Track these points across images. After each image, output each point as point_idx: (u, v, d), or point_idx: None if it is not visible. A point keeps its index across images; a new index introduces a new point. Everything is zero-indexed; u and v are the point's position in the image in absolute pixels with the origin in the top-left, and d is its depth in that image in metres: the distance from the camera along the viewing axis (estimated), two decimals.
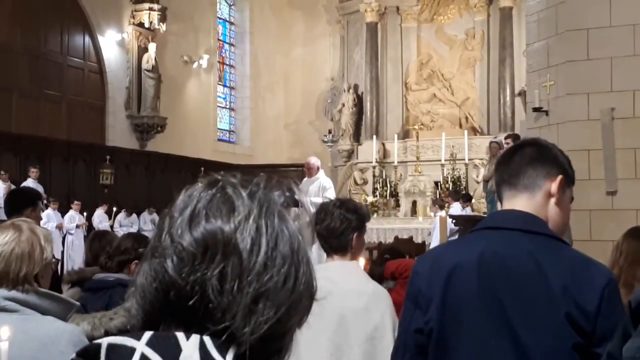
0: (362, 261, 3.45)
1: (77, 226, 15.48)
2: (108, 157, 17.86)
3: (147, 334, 0.93)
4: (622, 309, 1.89)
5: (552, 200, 2.07)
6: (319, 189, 9.99)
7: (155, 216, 17.11)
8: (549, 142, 2.19)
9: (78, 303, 2.60)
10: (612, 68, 8.35)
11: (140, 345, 0.92)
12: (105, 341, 0.93)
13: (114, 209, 16.75)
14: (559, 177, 2.08)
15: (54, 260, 2.83)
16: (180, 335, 0.92)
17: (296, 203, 1.04)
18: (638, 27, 8.24)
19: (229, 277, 0.93)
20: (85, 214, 15.78)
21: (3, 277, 2.37)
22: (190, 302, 0.93)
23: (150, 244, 0.99)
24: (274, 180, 1.03)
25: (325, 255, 3.25)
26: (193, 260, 0.93)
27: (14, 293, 2.36)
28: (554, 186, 2.06)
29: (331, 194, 9.84)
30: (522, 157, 2.09)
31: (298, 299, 0.97)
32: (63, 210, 15.40)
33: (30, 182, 13.76)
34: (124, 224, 16.73)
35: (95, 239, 4.42)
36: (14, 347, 2.24)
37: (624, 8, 8.29)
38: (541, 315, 1.89)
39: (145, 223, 17.29)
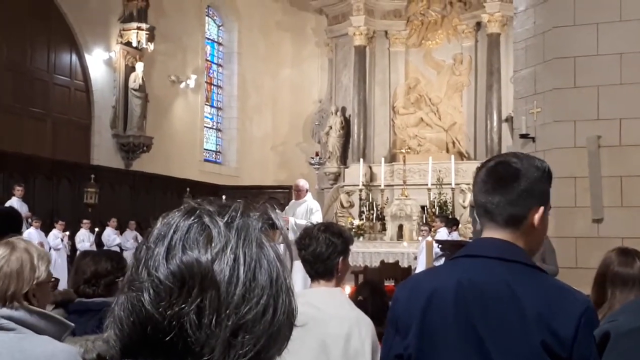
0: (347, 289, 3.41)
1: (62, 239, 15.29)
2: (93, 176, 17.73)
3: None
4: None
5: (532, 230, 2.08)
6: (306, 211, 9.99)
7: (137, 233, 17.06)
8: (523, 161, 2.08)
9: (72, 324, 2.60)
10: (599, 96, 8.38)
11: None
12: None
13: (96, 229, 16.59)
14: (540, 209, 2.05)
15: (52, 280, 2.82)
16: None
17: (276, 228, 1.02)
18: (624, 55, 8.29)
19: (207, 310, 0.91)
20: (68, 233, 15.62)
21: None
22: (168, 338, 0.91)
23: (128, 275, 0.97)
24: (252, 205, 1.01)
25: (309, 279, 3.21)
26: (170, 294, 0.91)
27: (9, 311, 2.38)
28: (536, 218, 2.05)
29: (318, 217, 9.82)
30: (500, 189, 2.04)
31: (277, 329, 0.95)
32: (46, 230, 15.24)
33: (14, 201, 13.62)
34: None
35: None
36: None
37: (610, 37, 8.35)
38: (516, 342, 1.91)
39: (128, 241, 17.16)
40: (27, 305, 2.42)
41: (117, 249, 15.07)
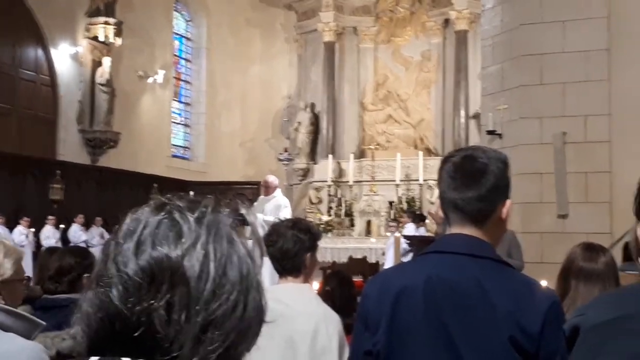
0: (315, 285, 3.39)
1: (26, 236, 15.08)
2: (58, 172, 17.48)
3: (93, 359, 0.91)
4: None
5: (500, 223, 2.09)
6: (275, 208, 9.93)
7: (103, 230, 16.92)
8: (488, 155, 2.08)
9: (43, 323, 2.55)
10: (565, 93, 8.48)
11: None
12: None
13: (62, 226, 16.38)
14: (508, 202, 2.07)
15: (25, 278, 2.78)
16: None
17: (246, 224, 1.01)
18: (590, 53, 8.39)
19: (177, 306, 0.90)
20: (33, 229, 15.41)
21: None
22: (137, 334, 0.90)
23: (96, 270, 0.96)
24: (222, 202, 1.00)
25: (277, 275, 3.20)
26: (139, 290, 0.90)
27: None
28: (504, 211, 2.07)
29: (287, 213, 9.77)
30: (469, 185, 2.04)
31: (247, 325, 0.95)
32: (12, 227, 15.01)
33: None
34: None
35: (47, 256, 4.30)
36: None
37: (577, 35, 8.44)
38: (485, 338, 1.92)
39: (94, 237, 16.99)
40: None
41: (84, 246, 14.90)
